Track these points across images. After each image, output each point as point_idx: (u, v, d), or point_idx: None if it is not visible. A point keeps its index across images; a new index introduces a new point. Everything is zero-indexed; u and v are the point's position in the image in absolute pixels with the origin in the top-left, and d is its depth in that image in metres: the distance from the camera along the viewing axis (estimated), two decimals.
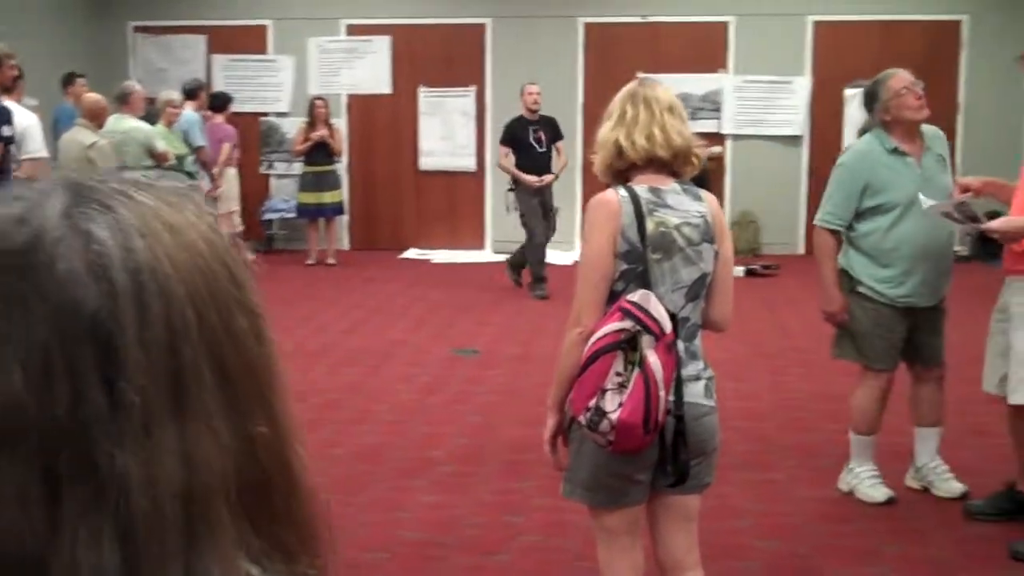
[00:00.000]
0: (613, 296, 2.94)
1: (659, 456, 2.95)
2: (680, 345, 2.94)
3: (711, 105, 12.69)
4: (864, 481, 4.90)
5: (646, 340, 2.81)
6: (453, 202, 13.17)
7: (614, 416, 2.79)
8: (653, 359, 2.80)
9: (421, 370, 7.43)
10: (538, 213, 10.01)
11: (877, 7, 12.40)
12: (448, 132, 13.01)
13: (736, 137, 12.70)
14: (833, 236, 4.79)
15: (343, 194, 12.34)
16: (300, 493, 0.77)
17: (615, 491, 3.02)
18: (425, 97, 13.02)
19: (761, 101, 12.67)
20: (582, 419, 2.86)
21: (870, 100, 4.77)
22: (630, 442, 2.83)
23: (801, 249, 12.55)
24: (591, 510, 3.12)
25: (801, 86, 12.56)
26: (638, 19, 12.68)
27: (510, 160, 10.09)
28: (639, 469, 2.97)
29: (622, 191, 2.97)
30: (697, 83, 12.62)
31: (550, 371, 7.25)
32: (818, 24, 12.53)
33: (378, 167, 13.18)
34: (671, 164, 3.00)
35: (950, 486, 4.91)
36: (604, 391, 2.81)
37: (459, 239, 13.09)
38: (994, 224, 4.16)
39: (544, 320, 9.06)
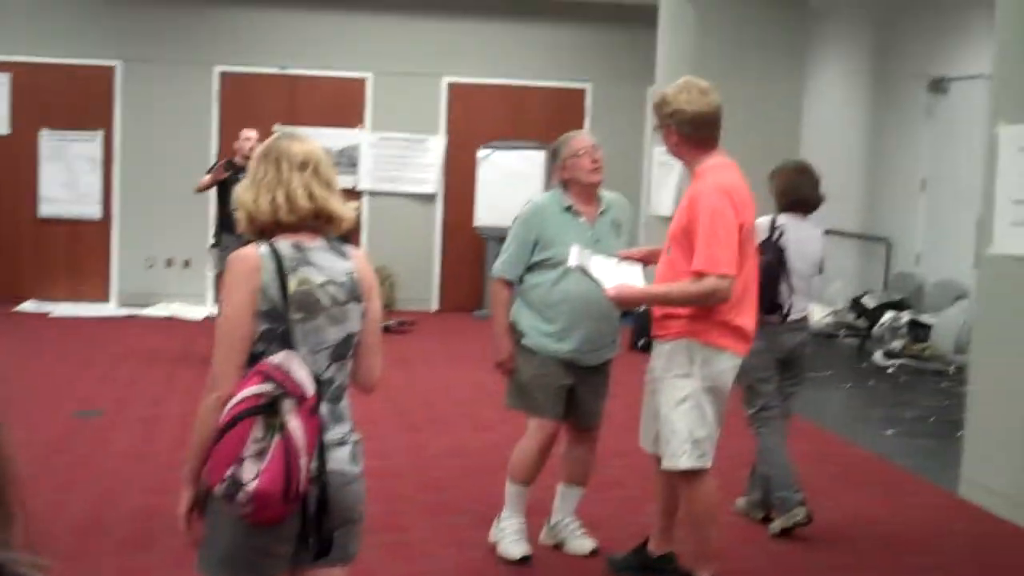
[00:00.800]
0: (253, 358, 2.82)
1: (301, 527, 2.84)
2: (324, 408, 2.85)
3: (348, 160, 12.70)
4: (507, 536, 4.96)
5: (287, 404, 2.72)
6: (76, 252, 12.46)
7: (251, 486, 2.68)
8: (294, 424, 2.71)
9: (38, 434, 6.91)
10: None
11: (508, 72, 12.87)
12: (71, 178, 12.32)
13: (373, 193, 12.77)
14: (507, 287, 4.90)
15: None
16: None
17: (254, 566, 2.86)
18: (47, 140, 12.28)
19: (397, 158, 12.82)
20: (218, 490, 2.72)
21: (552, 157, 4.93)
22: (269, 512, 2.72)
23: (435, 305, 12.77)
24: None
25: (436, 145, 12.81)
26: (276, 70, 12.54)
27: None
28: (279, 541, 2.84)
29: (263, 248, 2.86)
30: (336, 138, 12.60)
31: (182, 433, 6.91)
32: (452, 85, 12.85)
33: None
34: (307, 225, 2.91)
35: (582, 543, 5.05)
36: (242, 460, 2.69)
37: (82, 291, 12.39)
38: (610, 291, 4.30)
39: (174, 380, 8.70)
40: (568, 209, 4.84)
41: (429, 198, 12.85)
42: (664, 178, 10.99)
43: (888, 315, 9.39)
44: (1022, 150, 5.80)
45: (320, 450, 2.80)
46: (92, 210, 12.39)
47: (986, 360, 6.21)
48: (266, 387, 2.72)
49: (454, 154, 12.75)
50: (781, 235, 5.37)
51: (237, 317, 2.83)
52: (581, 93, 13.08)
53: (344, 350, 2.92)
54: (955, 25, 10.28)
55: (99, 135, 12.33)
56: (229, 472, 2.70)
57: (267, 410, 2.72)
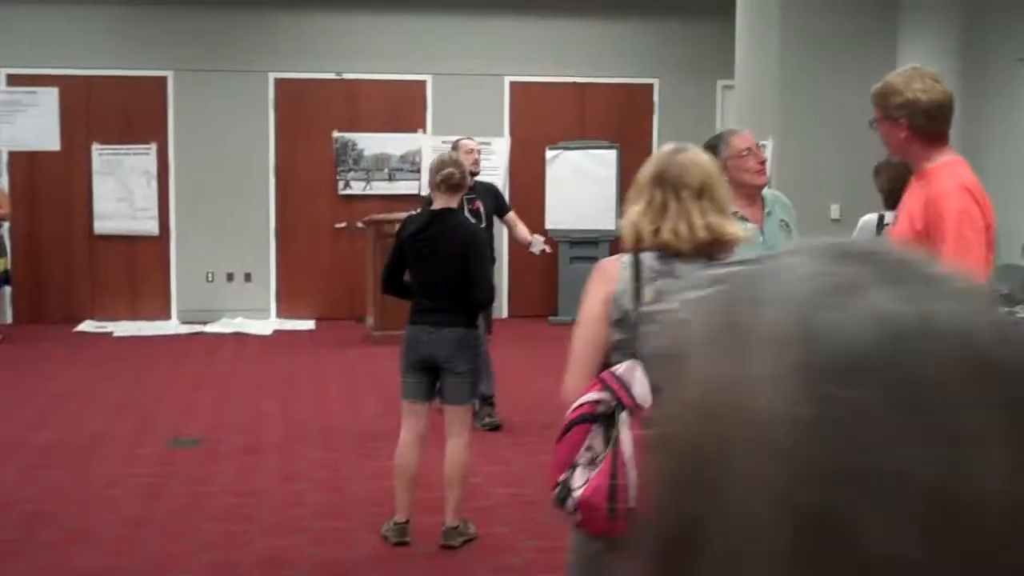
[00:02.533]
0: (607, 367, 2.77)
1: None
2: None
3: (411, 166, 12.28)
4: None
5: (623, 416, 2.65)
6: (133, 269, 12.05)
7: (578, 494, 2.65)
8: (625, 436, 2.63)
9: (136, 468, 6.49)
10: None
11: (571, 69, 12.44)
12: (126, 193, 11.91)
13: None
14: None
15: (7, 262, 11.01)
16: None
17: None
18: (100, 155, 11.87)
19: None
20: (553, 495, 2.71)
21: (713, 151, 4.45)
22: (595, 525, 2.66)
23: (505, 312, 12.33)
24: None
25: (501, 147, 12.37)
26: (332, 75, 12.12)
27: None
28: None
29: (626, 257, 2.83)
30: (397, 143, 12.19)
31: (288, 463, 6.52)
32: (515, 84, 12.41)
33: (45, 231, 11.88)
34: (700, 252, 2.82)
35: None
36: (575, 466, 2.67)
37: (141, 309, 11.98)
38: None
39: (266, 401, 8.27)
40: (734, 215, 4.38)
41: None
42: None
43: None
44: None
45: None
46: (149, 225, 11.98)
47: None
48: (603, 395, 2.68)
49: (519, 155, 12.30)
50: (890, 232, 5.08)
51: (587, 324, 2.82)
52: (648, 89, 12.63)
53: None
54: None
55: (153, 148, 11.92)
56: (562, 477, 2.68)
57: (606, 420, 2.67)
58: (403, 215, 11.22)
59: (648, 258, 2.79)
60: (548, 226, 11.93)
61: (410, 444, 5.21)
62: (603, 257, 12.78)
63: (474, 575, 4.96)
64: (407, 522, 5.20)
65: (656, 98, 12.63)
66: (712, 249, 2.80)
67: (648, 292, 2.76)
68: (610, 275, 2.82)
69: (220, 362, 9.88)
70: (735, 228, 2.88)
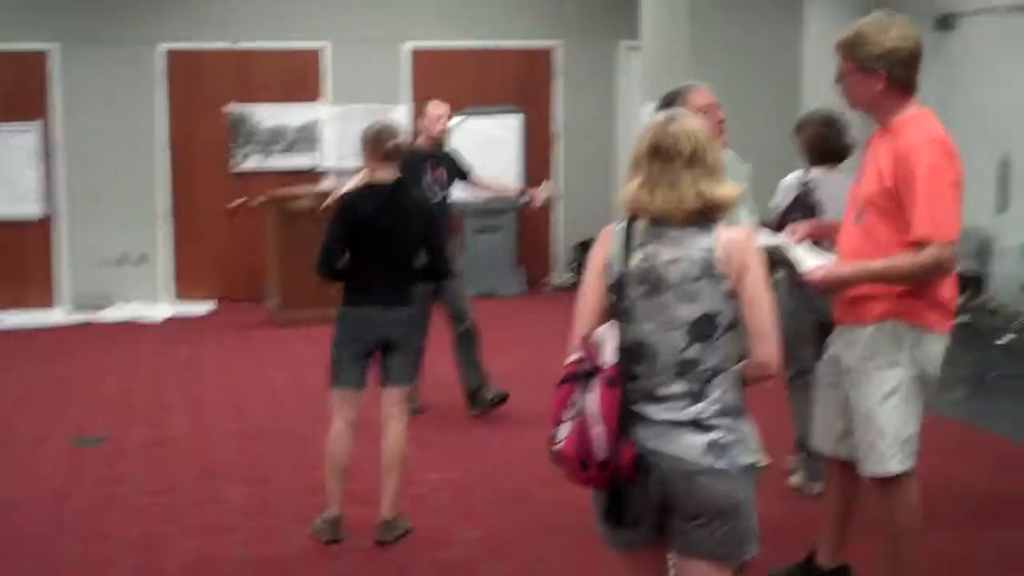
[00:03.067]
0: None
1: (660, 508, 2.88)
2: (679, 387, 2.85)
3: (308, 137, 11.85)
4: None
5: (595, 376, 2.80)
6: (18, 255, 11.42)
7: (556, 447, 2.81)
8: (590, 394, 2.78)
9: (41, 470, 6.06)
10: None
11: (472, 34, 12.11)
12: (7, 174, 11.26)
13: (339, 172, 11.93)
14: None
15: None
16: None
17: (613, 532, 2.97)
18: None
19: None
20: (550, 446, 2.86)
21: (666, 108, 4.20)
22: (574, 477, 2.83)
23: None
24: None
25: (402, 114, 12.00)
26: (226, 45, 11.60)
27: None
28: (622, 510, 2.89)
29: (620, 224, 2.98)
30: (293, 114, 11.75)
31: (203, 457, 6.17)
32: (415, 51, 12.04)
33: None
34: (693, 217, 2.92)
35: None
36: (560, 421, 2.83)
37: (25, 298, 11.36)
38: (815, 275, 3.66)
39: (170, 391, 7.86)
40: None
41: None
42: None
43: None
44: None
45: (675, 427, 2.82)
46: (33, 208, 11.35)
47: None
48: (579, 355, 2.85)
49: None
50: (814, 190, 5.03)
51: (586, 287, 2.97)
52: (550, 52, 12.36)
53: (707, 330, 2.86)
54: None
55: (37, 126, 11.28)
56: (553, 431, 2.82)
57: (586, 377, 2.80)
58: (306, 190, 10.97)
59: (641, 224, 2.92)
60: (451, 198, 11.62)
61: (344, 432, 4.91)
62: (509, 228, 12.45)
63: (413, 570, 4.69)
64: (340, 517, 4.90)
65: (558, 61, 12.36)
66: (704, 214, 2.88)
67: (636, 256, 2.89)
68: (605, 242, 2.98)
69: (117, 351, 9.38)
70: (726, 190, 2.91)
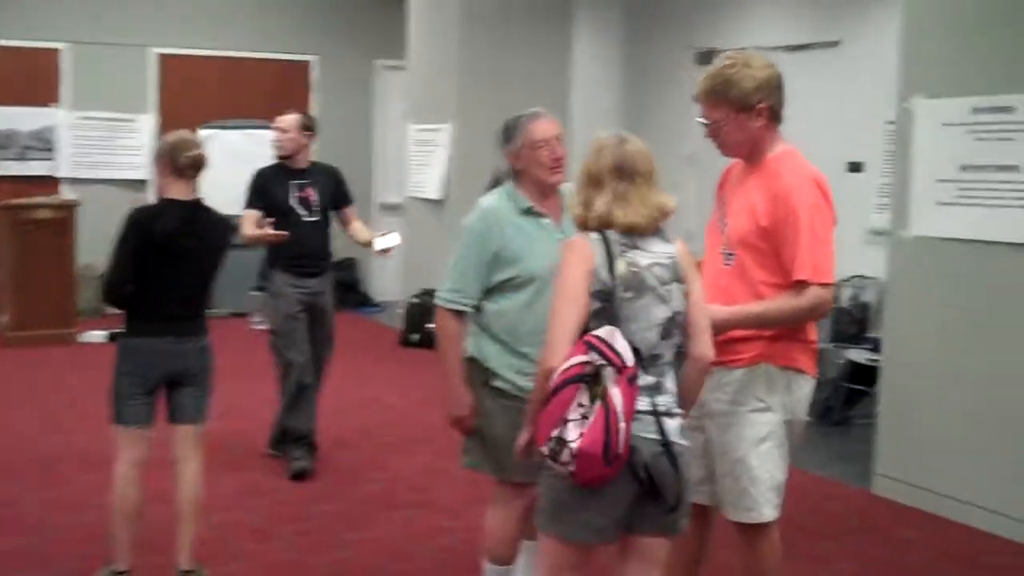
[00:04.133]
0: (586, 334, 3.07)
1: (636, 496, 3.05)
2: (652, 379, 3.09)
3: (43, 144, 10.98)
4: None
5: (608, 373, 2.96)
6: None
7: (574, 445, 2.91)
8: (614, 391, 2.94)
9: None
10: (298, 333, 6.12)
11: (226, 43, 11.57)
12: None
13: (74, 181, 11.10)
14: (458, 319, 3.86)
15: None
16: None
17: (584, 526, 3.07)
18: None
19: (102, 140, 11.22)
20: (544, 448, 2.97)
21: (504, 138, 3.86)
22: (591, 472, 2.94)
23: None
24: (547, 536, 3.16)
25: (146, 124, 11.30)
26: None
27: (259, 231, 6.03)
28: (609, 505, 3.05)
29: (593, 235, 3.13)
30: (26, 118, 10.86)
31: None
32: (163, 57, 11.37)
33: None
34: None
35: None
36: (567, 421, 2.93)
37: None
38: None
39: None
40: (528, 211, 3.87)
41: (139, 184, 11.27)
42: (428, 158, 10.14)
43: None
44: (945, 125, 5.44)
45: (656, 418, 3.05)
46: None
47: (900, 341, 5.83)
48: (590, 356, 2.96)
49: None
50: None
51: (572, 295, 3.08)
52: (306, 66, 11.96)
53: (671, 327, 3.14)
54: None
55: None
56: (555, 432, 2.93)
57: (591, 379, 2.95)
58: (43, 200, 10.11)
59: (613, 234, 3.12)
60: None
61: (133, 476, 4.40)
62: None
63: None
64: (128, 572, 4.40)
65: (314, 76, 11.98)
66: (659, 223, 3.16)
67: (620, 264, 3.08)
68: (585, 253, 3.10)
69: None
70: (670, 200, 3.18)
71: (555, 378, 2.99)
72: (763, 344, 3.53)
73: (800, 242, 3.42)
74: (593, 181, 3.16)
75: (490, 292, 3.81)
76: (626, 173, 3.13)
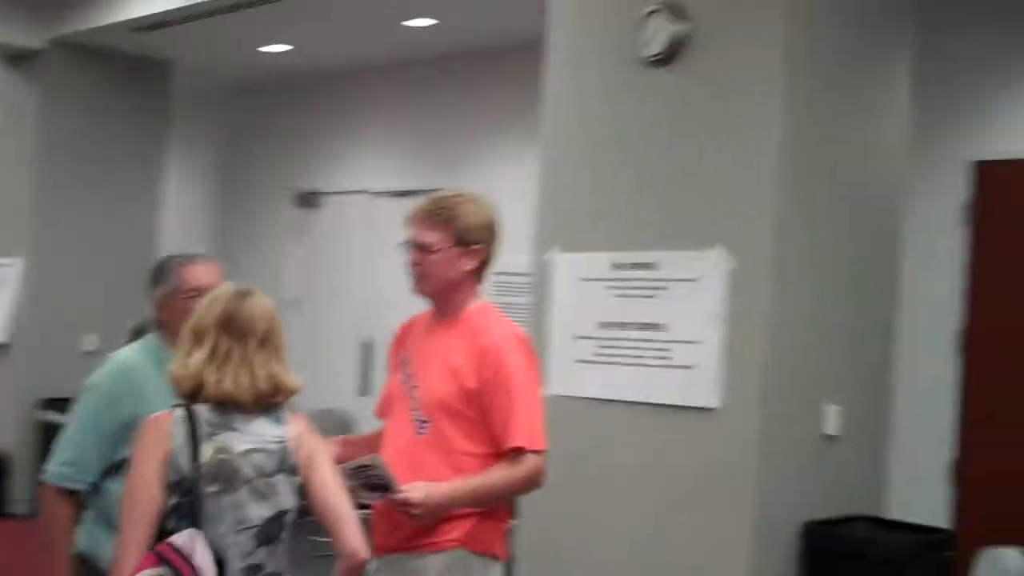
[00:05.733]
0: (165, 534, 2.55)
1: None
2: None
3: None
4: None
5: None
6: None
7: None
8: None
9: None
10: None
11: None
12: None
13: None
14: (70, 500, 3.13)
15: None
16: None
17: None
18: None
19: None
20: None
21: (152, 280, 3.33)
22: None
23: None
24: None
25: None
26: None
27: None
28: None
29: (178, 410, 2.63)
30: None
31: None
32: None
33: None
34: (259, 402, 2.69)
35: None
36: None
37: None
38: (416, 495, 2.99)
39: None
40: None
41: None
42: None
43: None
44: (583, 280, 5.27)
45: None
46: None
47: (534, 504, 5.52)
48: (160, 570, 2.49)
49: None
50: None
51: (141, 488, 2.59)
52: None
53: (274, 531, 2.66)
54: (321, 142, 9.72)
55: None
56: None
57: None
58: None
59: (204, 411, 2.64)
60: None
61: None
62: None
63: None
64: None
65: None
66: (271, 399, 2.69)
67: (207, 449, 2.59)
68: (163, 432, 2.61)
69: None
70: (293, 377, 2.75)
71: None
72: (465, 527, 3.12)
73: (513, 406, 3.08)
74: (194, 335, 2.69)
75: (115, 469, 3.14)
76: (235, 331, 2.67)
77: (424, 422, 3.17)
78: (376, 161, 9.35)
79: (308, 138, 9.75)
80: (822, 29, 4.84)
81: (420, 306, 3.38)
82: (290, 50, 8.84)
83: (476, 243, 3.21)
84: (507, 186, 7.12)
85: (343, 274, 9.45)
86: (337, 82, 9.43)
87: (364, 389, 9.05)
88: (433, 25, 7.86)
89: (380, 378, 8.89)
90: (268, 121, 10.13)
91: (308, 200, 9.72)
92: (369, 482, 2.99)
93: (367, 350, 9.12)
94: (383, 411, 3.32)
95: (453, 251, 3.20)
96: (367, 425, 8.93)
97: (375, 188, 9.22)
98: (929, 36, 5.56)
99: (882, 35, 5.15)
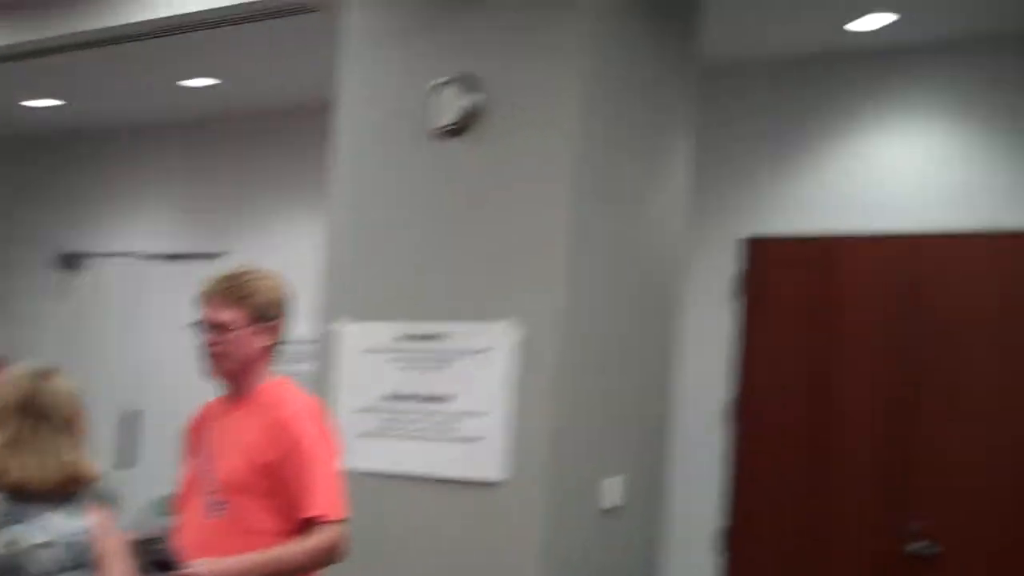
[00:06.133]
0: None
1: None
2: None
3: None
4: None
5: None
6: None
7: None
8: None
9: None
10: None
11: None
12: None
13: None
14: None
15: None
16: None
17: None
18: None
19: None
20: None
21: None
22: None
23: None
24: None
25: None
26: None
27: None
28: None
29: None
30: None
31: None
32: None
33: None
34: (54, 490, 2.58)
35: None
36: None
37: None
38: (204, 570, 2.84)
39: None
40: None
41: None
42: None
43: None
44: (368, 351, 5.18)
45: None
46: None
47: None
48: None
49: None
50: None
51: None
52: None
53: None
54: (89, 202, 9.32)
55: None
56: None
57: None
58: None
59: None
60: None
61: None
62: None
63: None
64: None
65: None
66: (68, 488, 2.62)
67: None
68: None
69: None
70: (92, 465, 2.72)
71: None
72: None
73: (311, 476, 3.03)
74: None
75: None
76: (34, 412, 2.64)
77: (222, 504, 3.08)
78: (148, 224, 9.02)
79: (74, 197, 9.34)
80: (611, 107, 4.95)
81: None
82: (60, 105, 8.48)
83: (271, 319, 3.19)
84: (289, 252, 6.99)
85: (107, 339, 9.05)
86: (110, 140, 9.09)
87: (126, 462, 8.63)
88: (213, 85, 7.68)
89: (146, 450, 8.61)
90: (31, 178, 9.67)
91: (71, 261, 9.28)
92: (156, 558, 2.85)
93: (130, 419, 8.73)
94: (180, 502, 3.20)
95: (249, 329, 3.16)
96: (129, 500, 8.55)
97: (146, 251, 8.89)
98: (708, 118, 5.78)
99: (666, 116, 5.31)
